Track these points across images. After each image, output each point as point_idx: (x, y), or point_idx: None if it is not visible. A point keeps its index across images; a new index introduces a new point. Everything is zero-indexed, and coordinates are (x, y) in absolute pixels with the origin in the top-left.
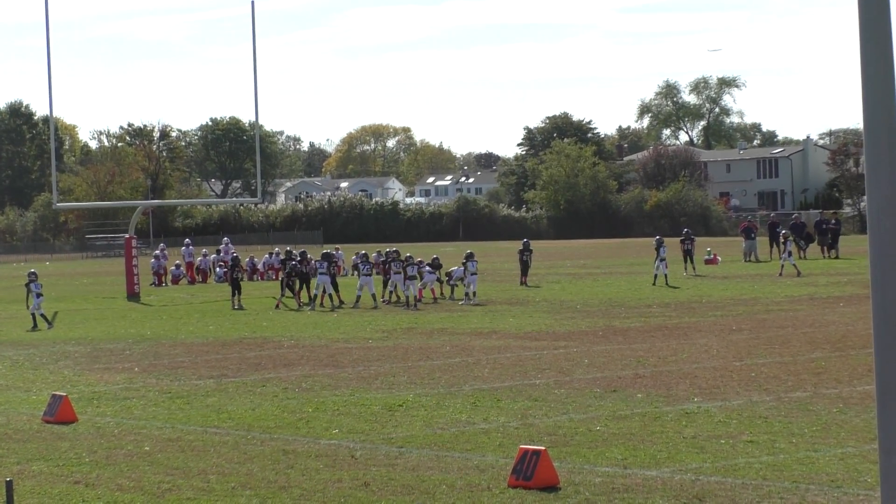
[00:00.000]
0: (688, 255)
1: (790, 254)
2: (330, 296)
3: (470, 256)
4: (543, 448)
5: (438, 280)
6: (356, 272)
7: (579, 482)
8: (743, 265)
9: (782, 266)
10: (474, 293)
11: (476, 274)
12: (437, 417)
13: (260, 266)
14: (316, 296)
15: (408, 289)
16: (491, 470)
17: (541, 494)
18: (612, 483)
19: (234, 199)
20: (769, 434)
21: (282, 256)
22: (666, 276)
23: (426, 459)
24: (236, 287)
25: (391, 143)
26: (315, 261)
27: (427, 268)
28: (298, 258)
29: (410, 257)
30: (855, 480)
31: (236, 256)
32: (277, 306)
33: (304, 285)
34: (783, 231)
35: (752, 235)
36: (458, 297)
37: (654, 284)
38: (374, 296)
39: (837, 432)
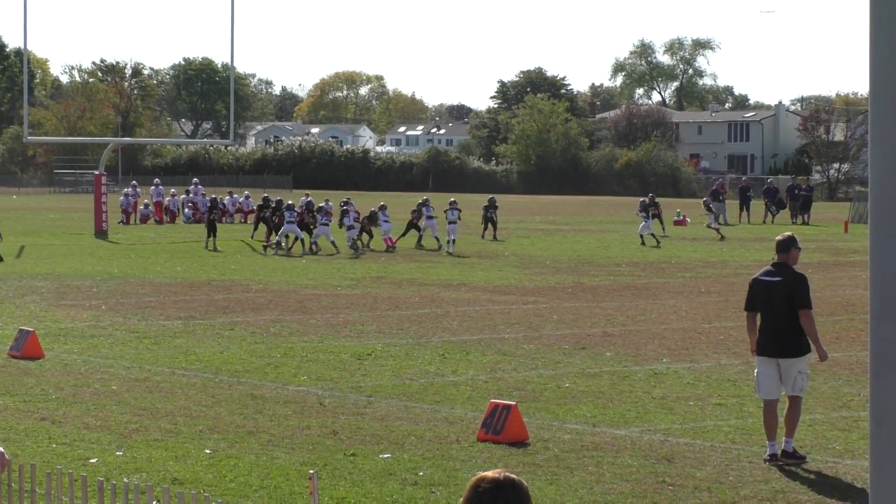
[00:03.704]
0: (656, 217)
1: (716, 217)
2: (301, 241)
3: (425, 203)
4: (514, 403)
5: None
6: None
7: (548, 438)
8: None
9: (718, 230)
10: (436, 238)
11: (433, 217)
12: (405, 368)
13: (230, 207)
14: (279, 241)
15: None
16: (460, 423)
17: (510, 449)
18: (581, 440)
19: (206, 139)
20: (738, 397)
21: (259, 202)
22: (653, 235)
23: (395, 409)
24: (212, 229)
25: (364, 90)
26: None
27: (384, 217)
28: (273, 205)
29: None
30: (823, 447)
31: (215, 199)
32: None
33: (274, 231)
34: (704, 198)
35: (721, 198)
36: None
37: (642, 245)
38: (333, 243)
39: (805, 399)
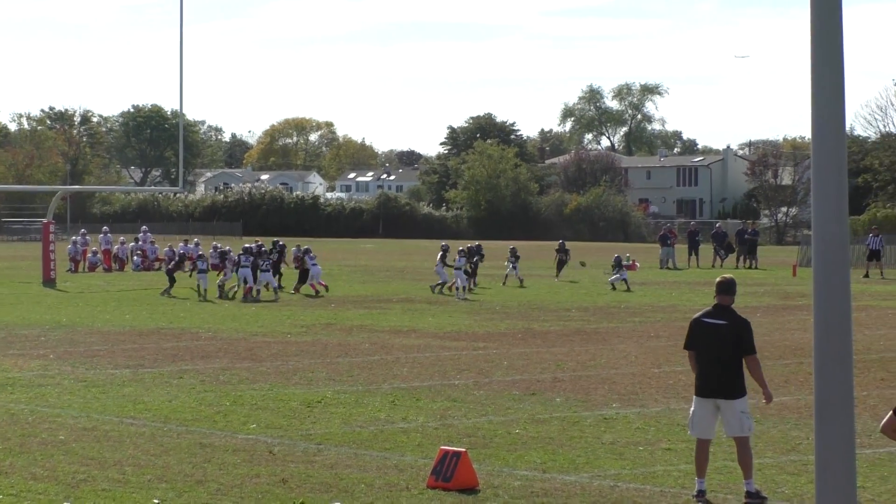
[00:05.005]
0: (562, 264)
1: (513, 266)
2: (275, 288)
3: (306, 251)
4: (464, 450)
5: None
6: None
7: (498, 485)
8: (661, 272)
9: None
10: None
11: (316, 265)
12: (355, 415)
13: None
14: (241, 287)
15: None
16: (410, 470)
17: (460, 496)
18: (531, 487)
19: (155, 187)
20: (687, 442)
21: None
22: (625, 279)
23: (345, 457)
24: (173, 279)
25: (313, 137)
26: (240, 254)
27: (311, 260)
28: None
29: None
30: (773, 491)
31: (183, 254)
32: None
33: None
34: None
35: (669, 242)
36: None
37: (612, 290)
38: (265, 287)
39: (755, 443)
